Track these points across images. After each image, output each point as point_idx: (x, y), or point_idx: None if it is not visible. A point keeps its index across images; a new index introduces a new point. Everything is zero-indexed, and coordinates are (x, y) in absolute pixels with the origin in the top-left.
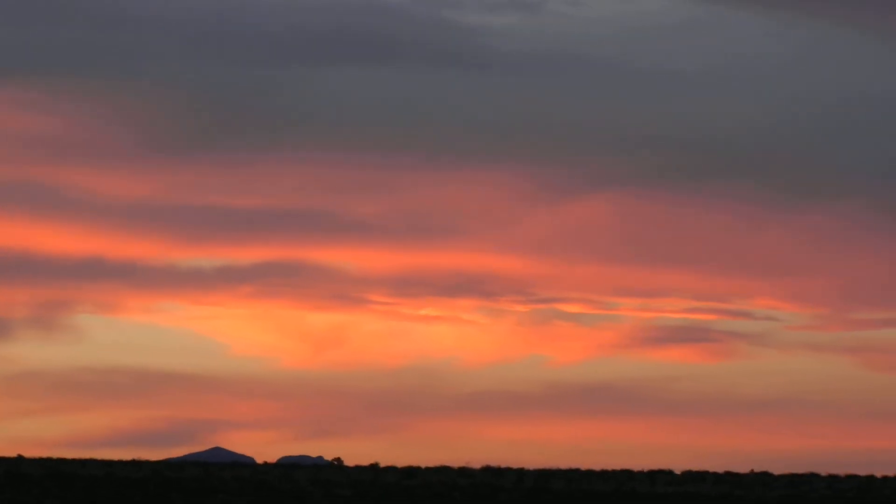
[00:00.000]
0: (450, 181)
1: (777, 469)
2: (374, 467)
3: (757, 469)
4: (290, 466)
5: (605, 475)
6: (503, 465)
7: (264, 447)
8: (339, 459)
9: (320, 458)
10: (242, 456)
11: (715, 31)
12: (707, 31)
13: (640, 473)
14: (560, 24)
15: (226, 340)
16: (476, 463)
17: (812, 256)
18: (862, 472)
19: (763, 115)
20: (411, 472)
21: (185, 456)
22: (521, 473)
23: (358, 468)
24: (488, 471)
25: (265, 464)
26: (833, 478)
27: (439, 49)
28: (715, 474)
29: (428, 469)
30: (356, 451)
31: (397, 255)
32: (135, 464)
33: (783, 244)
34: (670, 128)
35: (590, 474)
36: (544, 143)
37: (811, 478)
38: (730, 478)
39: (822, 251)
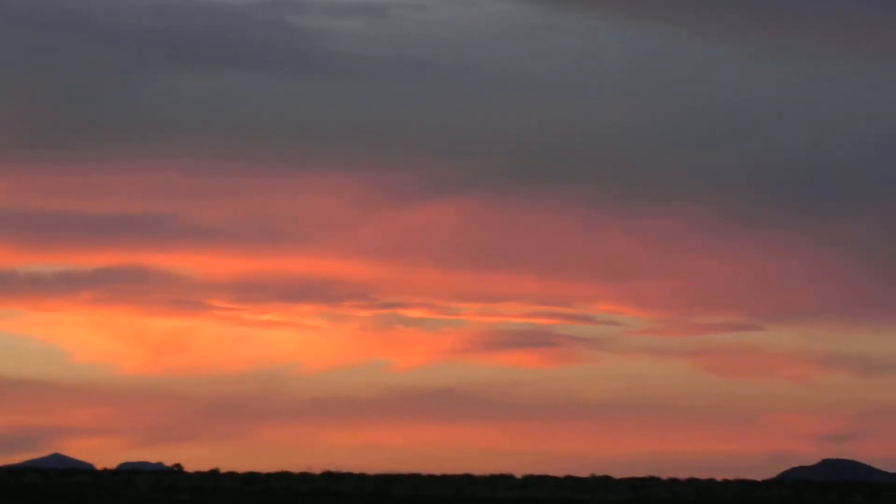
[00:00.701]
0: (292, 186)
1: (618, 473)
2: (214, 473)
3: (598, 473)
4: (130, 472)
5: (445, 480)
6: (344, 470)
7: (104, 453)
8: (178, 465)
9: (160, 464)
10: (82, 462)
11: (560, 36)
12: (553, 35)
13: (481, 478)
14: (404, 28)
15: (66, 347)
16: (317, 468)
17: (653, 261)
18: (702, 475)
19: (606, 120)
20: (252, 477)
21: (25, 462)
22: (361, 479)
23: (198, 474)
24: (329, 476)
25: (105, 470)
26: (674, 481)
27: (284, 53)
28: (556, 478)
29: (268, 475)
30: (196, 456)
31: (239, 260)
32: None
33: (624, 248)
34: (513, 132)
35: (430, 479)
36: (387, 147)
37: (652, 482)
38: (571, 482)
39: (664, 256)
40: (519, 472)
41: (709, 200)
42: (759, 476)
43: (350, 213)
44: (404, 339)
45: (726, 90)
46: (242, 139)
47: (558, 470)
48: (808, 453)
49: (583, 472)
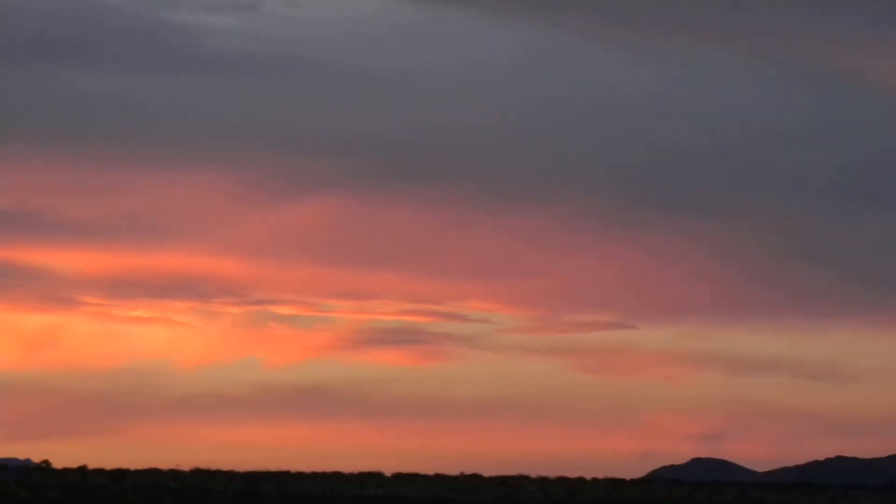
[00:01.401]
0: (164, 182)
1: (488, 471)
2: (82, 470)
3: (468, 472)
4: None
5: (315, 477)
6: (213, 467)
7: None
8: (46, 462)
9: (28, 460)
10: None
11: (433, 35)
12: (425, 34)
13: (351, 475)
14: (279, 25)
15: None
16: (186, 465)
17: (526, 259)
18: (572, 473)
19: (478, 117)
20: (120, 474)
21: None
22: (230, 476)
23: (66, 471)
24: (198, 473)
25: None
26: (544, 480)
27: (156, 49)
28: (425, 476)
29: (137, 471)
30: (65, 453)
31: (110, 256)
32: None
33: (497, 246)
34: (386, 130)
35: (300, 477)
36: (260, 144)
37: (522, 480)
38: (441, 480)
39: (536, 254)
40: (388, 470)
41: (582, 200)
42: (629, 475)
43: (222, 210)
44: (276, 336)
45: (595, 87)
46: (112, 134)
47: (428, 468)
48: (678, 452)
49: (452, 471)
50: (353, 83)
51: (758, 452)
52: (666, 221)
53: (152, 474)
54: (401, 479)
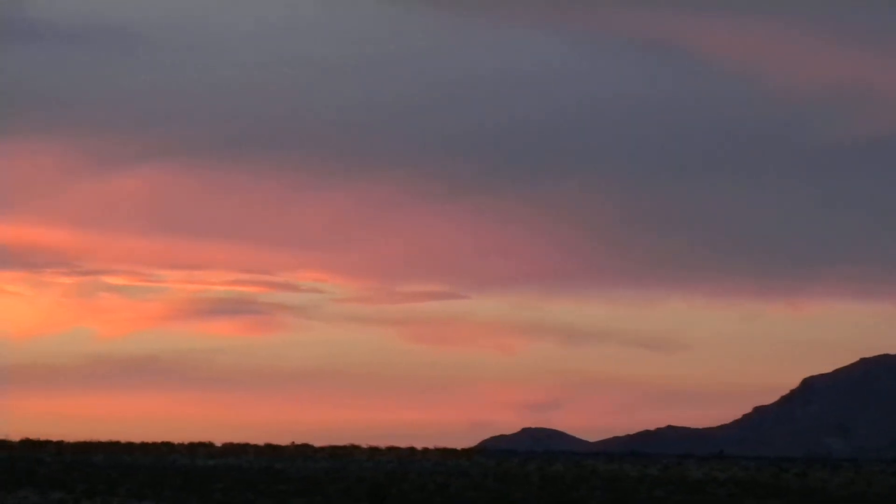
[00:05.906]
0: None
1: (318, 441)
2: None
3: (298, 441)
4: None
5: (145, 448)
6: (43, 437)
7: None
8: None
9: None
10: None
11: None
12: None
13: (181, 446)
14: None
15: None
16: (15, 435)
17: (358, 229)
18: (403, 444)
19: (305, 88)
20: None
21: None
22: (60, 446)
23: None
24: (27, 443)
25: None
26: (374, 450)
27: None
28: (256, 446)
29: None
30: None
31: None
32: None
33: (329, 216)
34: (215, 100)
35: (130, 447)
36: (88, 114)
37: (352, 450)
38: (271, 450)
39: (369, 224)
40: (219, 440)
41: (414, 169)
42: (460, 444)
43: (51, 179)
44: (107, 306)
45: (430, 61)
46: None
47: (258, 438)
48: (510, 422)
49: (283, 441)
50: (174, 55)
51: (589, 422)
52: (498, 192)
53: None
54: (231, 449)
